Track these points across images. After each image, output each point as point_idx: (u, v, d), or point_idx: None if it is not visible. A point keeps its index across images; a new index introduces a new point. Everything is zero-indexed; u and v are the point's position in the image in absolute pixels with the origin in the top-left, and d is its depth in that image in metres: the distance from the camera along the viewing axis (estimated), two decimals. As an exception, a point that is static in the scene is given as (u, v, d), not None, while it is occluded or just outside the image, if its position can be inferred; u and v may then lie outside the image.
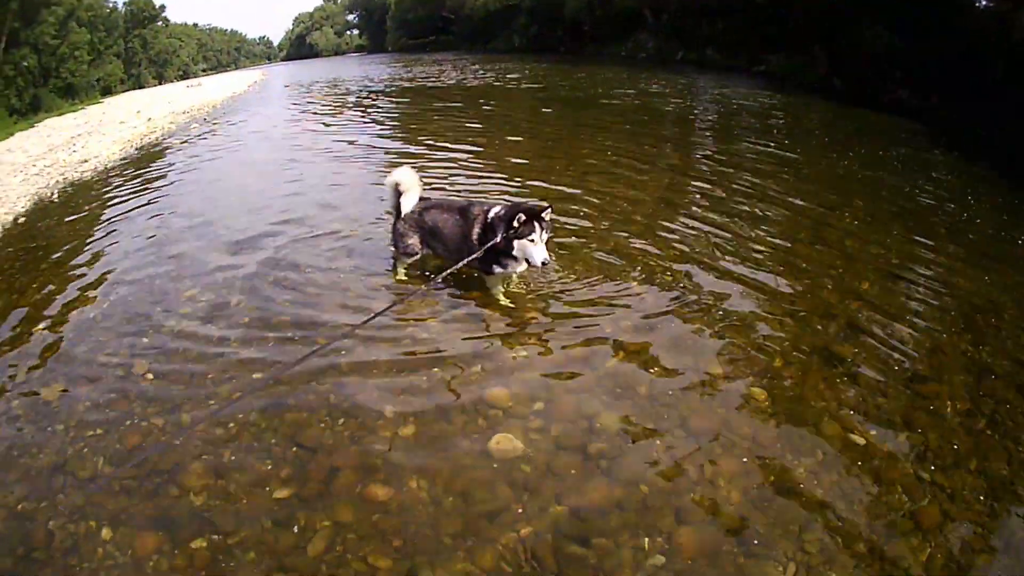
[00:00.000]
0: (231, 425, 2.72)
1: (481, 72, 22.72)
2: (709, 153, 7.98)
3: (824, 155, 8.01)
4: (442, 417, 2.69)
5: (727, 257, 4.28)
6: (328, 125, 11.73)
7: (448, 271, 3.43)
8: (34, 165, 10.87)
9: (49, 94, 30.46)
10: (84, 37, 34.07)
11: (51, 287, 4.57)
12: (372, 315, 3.11)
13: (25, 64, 27.74)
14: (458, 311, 3.58)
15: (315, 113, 13.94)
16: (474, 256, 3.40)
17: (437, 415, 2.70)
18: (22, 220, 7.07)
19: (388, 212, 3.90)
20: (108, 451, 2.64)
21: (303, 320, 3.53)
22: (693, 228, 4.85)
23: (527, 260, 3.34)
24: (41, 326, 3.89)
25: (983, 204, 6.62)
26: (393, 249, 3.96)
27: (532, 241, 3.27)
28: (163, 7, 58.39)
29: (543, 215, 3.29)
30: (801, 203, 5.64)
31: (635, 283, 3.82)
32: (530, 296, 3.70)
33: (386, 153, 8.22)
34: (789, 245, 4.61)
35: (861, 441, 2.53)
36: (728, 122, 10.92)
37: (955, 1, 14.41)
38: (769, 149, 8.17)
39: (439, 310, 3.60)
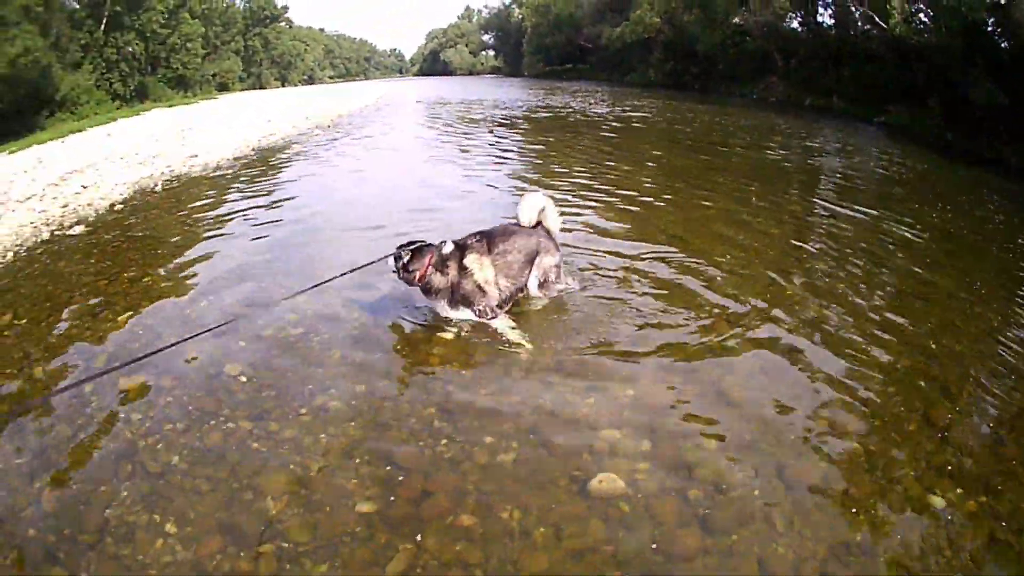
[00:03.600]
0: (322, 436, 2.58)
1: (618, 107, 20.52)
2: (828, 211, 7.07)
3: (941, 217, 7.00)
4: (543, 448, 2.52)
5: (836, 316, 3.89)
6: (463, 150, 10.69)
7: None
8: (136, 154, 10.90)
9: (158, 83, 30.50)
10: (197, 29, 34.05)
11: (146, 279, 4.59)
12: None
13: (130, 50, 27.47)
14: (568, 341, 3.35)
15: (447, 135, 12.91)
16: None
17: (539, 445, 2.53)
18: (119, 207, 7.15)
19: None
20: (185, 448, 2.52)
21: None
22: (808, 285, 4.44)
23: None
24: (128, 316, 3.84)
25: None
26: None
27: None
28: (285, 8, 57.02)
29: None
30: (909, 267, 5.03)
31: (743, 332, 3.50)
32: (647, 333, 3.45)
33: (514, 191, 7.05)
34: (896, 308, 4.13)
35: (941, 503, 2.32)
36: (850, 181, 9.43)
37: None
38: (889, 213, 7.05)
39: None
